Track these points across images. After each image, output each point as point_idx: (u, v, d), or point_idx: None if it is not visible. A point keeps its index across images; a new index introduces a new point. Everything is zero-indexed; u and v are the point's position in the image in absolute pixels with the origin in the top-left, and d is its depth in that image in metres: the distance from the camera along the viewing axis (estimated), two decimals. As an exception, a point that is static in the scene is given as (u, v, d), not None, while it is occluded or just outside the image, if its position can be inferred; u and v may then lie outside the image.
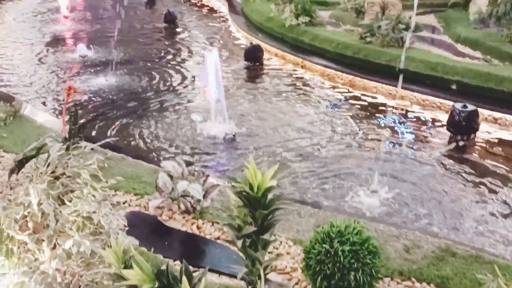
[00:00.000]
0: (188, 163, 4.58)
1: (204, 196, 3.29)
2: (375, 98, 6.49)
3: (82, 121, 4.11)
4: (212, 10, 12.34)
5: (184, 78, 7.21)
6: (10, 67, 7.73)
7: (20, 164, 3.35)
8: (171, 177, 3.37)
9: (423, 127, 5.64)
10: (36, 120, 4.86)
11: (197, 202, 3.25)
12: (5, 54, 8.42)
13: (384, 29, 7.11)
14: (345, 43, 7.44)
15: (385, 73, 6.72)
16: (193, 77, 7.16)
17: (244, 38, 9.26)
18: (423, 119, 5.87)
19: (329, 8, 9.59)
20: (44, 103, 6.17)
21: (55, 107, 5.94)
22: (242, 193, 1.85)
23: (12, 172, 3.41)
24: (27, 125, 4.61)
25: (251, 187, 1.82)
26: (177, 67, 7.71)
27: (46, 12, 11.75)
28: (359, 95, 6.60)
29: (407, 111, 6.08)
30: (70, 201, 2.04)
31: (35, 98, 6.31)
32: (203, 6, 12.85)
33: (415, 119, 5.87)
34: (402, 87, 6.35)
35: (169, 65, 7.80)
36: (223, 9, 12.14)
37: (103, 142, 4.12)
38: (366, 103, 6.34)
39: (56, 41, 9.23)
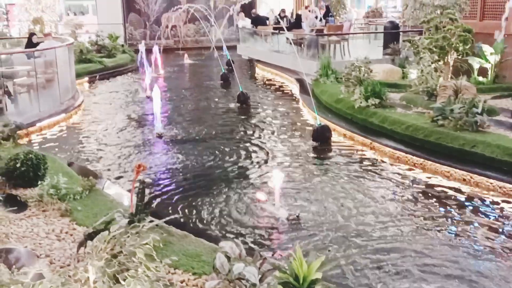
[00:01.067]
0: (248, 243, 4.58)
1: (261, 280, 3.23)
2: (448, 182, 6.23)
3: (148, 197, 4.28)
4: (284, 91, 12.77)
5: (253, 158, 7.35)
6: (91, 141, 8.31)
7: (89, 238, 3.50)
8: (228, 258, 3.36)
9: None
10: (110, 194, 5.12)
11: (252, 286, 3.20)
12: (92, 129, 9.11)
13: (457, 112, 6.94)
14: (415, 125, 7.33)
15: (458, 157, 6.49)
16: (260, 162, 7.24)
17: (313, 118, 9.41)
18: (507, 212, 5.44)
19: (400, 91, 9.58)
20: (118, 178, 6.50)
21: (128, 183, 6.23)
22: (287, 284, 1.81)
23: (80, 245, 3.56)
24: (101, 199, 4.85)
25: (296, 278, 1.78)
26: (248, 147, 7.90)
27: (131, 92, 12.73)
28: (431, 178, 6.37)
29: (485, 199, 5.72)
30: (124, 280, 2.10)
31: (111, 173, 6.67)
32: (275, 87, 13.35)
33: (498, 210, 5.48)
34: (477, 173, 6.08)
35: (240, 145, 8.01)
36: (295, 90, 12.55)
37: (168, 218, 4.26)
38: (438, 188, 6.09)
39: (137, 120, 9.88)
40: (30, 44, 11.30)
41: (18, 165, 4.76)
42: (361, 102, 8.49)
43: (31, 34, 11.95)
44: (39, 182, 4.82)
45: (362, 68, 9.47)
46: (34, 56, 9.69)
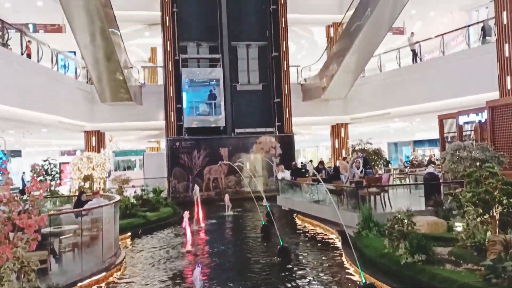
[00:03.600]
0: None
1: None
2: None
3: None
4: (325, 244, 12.54)
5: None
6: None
7: None
8: None
9: None
10: None
11: None
12: (136, 285, 9.02)
13: (509, 270, 6.55)
14: (467, 284, 6.91)
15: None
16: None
17: (356, 273, 9.05)
18: None
19: (447, 244, 9.23)
20: None
21: None
22: None
23: None
24: None
25: None
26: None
27: (172, 247, 12.81)
28: None
29: None
30: None
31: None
32: (316, 240, 13.16)
33: None
34: None
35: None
36: (337, 242, 12.31)
37: None
38: None
39: (178, 276, 9.76)
40: (79, 202, 11.85)
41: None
42: (407, 258, 8.19)
43: (81, 193, 12.59)
44: None
45: (405, 221, 9.31)
46: (82, 215, 10.08)
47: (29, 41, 19.50)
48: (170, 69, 25.20)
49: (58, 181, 19.61)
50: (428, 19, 28.15)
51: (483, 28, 19.42)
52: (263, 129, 26.04)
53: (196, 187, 18.12)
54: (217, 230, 15.62)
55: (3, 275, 5.30)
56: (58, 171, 20.91)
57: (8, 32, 17.97)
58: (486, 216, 8.38)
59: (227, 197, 19.54)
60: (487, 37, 19.06)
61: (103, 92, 23.32)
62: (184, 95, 24.94)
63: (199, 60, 26.26)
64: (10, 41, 17.88)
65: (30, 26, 24.41)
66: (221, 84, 25.29)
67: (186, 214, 13.25)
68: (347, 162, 18.03)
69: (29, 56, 19.41)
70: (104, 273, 9.49)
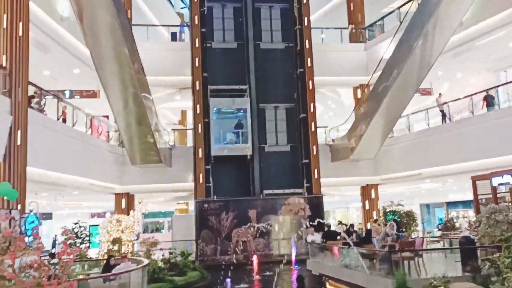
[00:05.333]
0: None
1: None
2: None
3: None
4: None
5: None
6: None
7: None
8: None
9: None
10: None
11: None
12: None
13: None
14: None
15: None
16: None
17: None
18: None
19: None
20: None
21: None
22: None
23: None
24: None
25: None
26: None
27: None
28: None
29: None
30: None
31: None
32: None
33: None
34: None
35: None
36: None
37: None
38: None
39: None
40: (108, 266, 11.81)
41: None
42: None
43: (109, 257, 12.58)
44: None
45: (441, 288, 8.91)
46: (110, 280, 10.01)
47: (64, 107, 20.30)
48: (200, 131, 25.66)
49: (87, 245, 19.70)
50: (455, 80, 28.23)
51: (485, 98, 19.63)
52: (291, 190, 25.85)
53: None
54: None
55: None
56: (88, 234, 21.04)
57: (45, 98, 18.80)
58: (529, 284, 7.95)
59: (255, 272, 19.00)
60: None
61: (134, 155, 23.80)
62: (211, 124, 25.28)
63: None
64: (47, 106, 18.67)
65: (67, 92, 25.48)
66: (248, 111, 25.65)
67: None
68: (378, 224, 17.62)
69: (64, 120, 20.14)
70: None
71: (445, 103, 23.83)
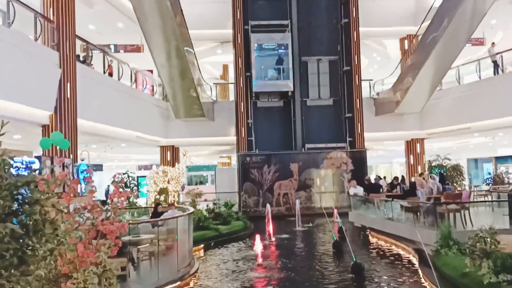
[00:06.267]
0: None
1: None
2: None
3: None
4: (401, 262, 12.07)
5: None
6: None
7: None
8: None
9: None
10: None
11: None
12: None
13: None
14: (562, 309, 6.36)
15: None
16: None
17: (436, 294, 8.61)
18: None
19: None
20: None
21: None
22: None
23: None
24: None
25: None
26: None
27: (244, 259, 12.89)
28: None
29: None
30: None
31: None
32: (391, 257, 12.71)
33: None
34: None
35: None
36: (413, 261, 11.81)
37: None
38: None
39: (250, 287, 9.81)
40: (155, 213, 12.26)
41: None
42: (490, 278, 7.69)
43: (157, 204, 13.05)
44: None
45: (488, 239, 8.78)
46: (158, 225, 10.41)
47: (110, 61, 20.67)
48: (241, 85, 25.65)
49: (136, 193, 20.48)
50: (510, 29, 26.72)
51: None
52: (334, 145, 25.74)
53: (268, 206, 18.20)
54: (288, 245, 15.52)
55: (87, 277, 5.56)
56: (136, 184, 21.83)
57: (92, 53, 19.19)
58: None
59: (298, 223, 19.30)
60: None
61: (178, 109, 24.17)
62: (253, 60, 25.31)
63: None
64: (94, 60, 19.08)
65: (112, 47, 25.88)
66: (289, 49, 25.50)
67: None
68: (424, 178, 17.36)
69: (110, 75, 20.56)
70: (178, 282, 9.71)
71: (498, 53, 22.70)
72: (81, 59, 18.04)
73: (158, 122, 25.24)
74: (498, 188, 17.85)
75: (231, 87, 29.51)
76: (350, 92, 26.07)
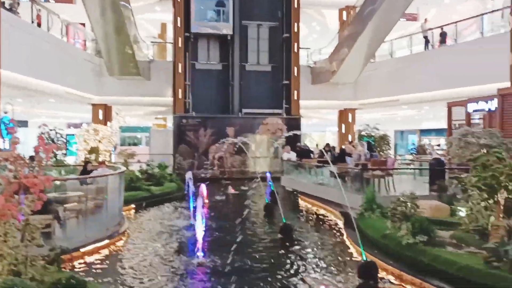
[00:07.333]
0: None
1: None
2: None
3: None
4: (328, 224, 12.58)
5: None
6: (134, 268, 8.26)
7: None
8: None
9: None
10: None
11: None
12: (134, 256, 9.10)
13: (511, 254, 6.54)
14: (468, 267, 6.91)
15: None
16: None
17: (358, 253, 9.08)
18: None
19: (449, 228, 9.23)
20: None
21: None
22: None
23: None
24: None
25: None
26: (290, 281, 7.62)
27: (175, 220, 12.90)
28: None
29: None
30: None
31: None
32: (319, 220, 13.21)
33: None
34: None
35: (282, 278, 7.74)
36: (339, 223, 12.34)
37: None
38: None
39: (179, 248, 9.85)
40: (85, 171, 11.92)
41: (58, 290, 4.73)
42: (408, 239, 8.19)
43: (86, 162, 12.66)
44: (77, 310, 4.73)
45: (408, 204, 9.31)
46: (87, 183, 10.14)
47: (39, 10, 19.43)
48: (180, 46, 25.06)
49: (64, 151, 19.73)
50: (443, 6, 27.79)
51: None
52: (270, 110, 25.97)
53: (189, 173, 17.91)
54: (221, 207, 15.69)
55: (8, 231, 5.36)
56: (65, 141, 21.01)
57: (18, 1, 17.92)
58: (491, 201, 8.36)
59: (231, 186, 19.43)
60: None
61: (112, 66, 23.31)
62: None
63: (209, 37, 26.04)
64: (21, 9, 17.84)
65: (41, -4, 24.29)
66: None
67: (189, 174, 13.21)
68: (353, 146, 17.99)
69: (38, 25, 19.36)
70: (107, 241, 9.59)
71: (430, 29, 23.60)
72: (7, 6, 16.81)
73: (90, 78, 24.24)
74: (421, 158, 18.93)
75: (170, 47, 28.75)
76: (288, 59, 26.24)
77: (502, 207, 8.39)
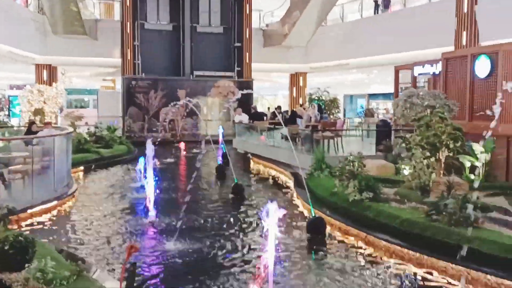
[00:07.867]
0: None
1: None
2: (444, 278, 6.09)
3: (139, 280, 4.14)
4: (278, 184, 12.85)
5: (245, 248, 7.22)
6: (83, 228, 8.19)
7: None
8: None
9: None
10: (98, 280, 4.94)
11: None
12: (84, 217, 9.01)
13: (450, 208, 6.95)
14: (410, 220, 7.29)
15: (455, 253, 6.38)
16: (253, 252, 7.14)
17: (307, 210, 9.38)
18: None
19: (394, 186, 9.65)
20: (108, 265, 6.32)
21: (119, 271, 6.04)
22: None
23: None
24: (88, 284, 4.69)
25: None
26: (242, 237, 7.80)
27: (125, 181, 12.77)
28: (427, 274, 6.23)
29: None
30: None
31: (100, 260, 6.50)
32: (270, 180, 13.46)
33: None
34: (474, 269, 5.96)
35: (233, 235, 7.90)
36: (289, 183, 12.63)
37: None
38: (436, 284, 5.93)
39: (130, 208, 9.82)
40: (30, 132, 11.51)
41: (6, 247, 4.64)
42: (355, 196, 8.52)
43: (31, 123, 12.22)
44: (26, 265, 4.67)
45: (355, 163, 9.63)
46: (32, 144, 9.82)
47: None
48: (128, 4, 24.19)
49: (6, 113, 18.93)
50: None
51: None
52: (222, 73, 25.76)
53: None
54: (173, 169, 15.67)
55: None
56: (8, 102, 20.12)
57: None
58: (433, 159, 8.78)
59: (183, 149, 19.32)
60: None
61: (56, 24, 22.28)
62: None
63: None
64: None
65: None
66: None
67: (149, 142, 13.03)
68: (304, 108, 18.26)
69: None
70: (55, 202, 9.41)
71: (380, -7, 23.88)
72: None
73: (33, 37, 23.07)
74: (369, 120, 19.56)
75: (118, 6, 27.69)
76: (240, 21, 25.94)
77: (443, 165, 8.87)
